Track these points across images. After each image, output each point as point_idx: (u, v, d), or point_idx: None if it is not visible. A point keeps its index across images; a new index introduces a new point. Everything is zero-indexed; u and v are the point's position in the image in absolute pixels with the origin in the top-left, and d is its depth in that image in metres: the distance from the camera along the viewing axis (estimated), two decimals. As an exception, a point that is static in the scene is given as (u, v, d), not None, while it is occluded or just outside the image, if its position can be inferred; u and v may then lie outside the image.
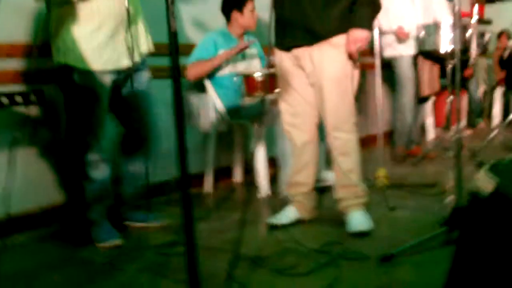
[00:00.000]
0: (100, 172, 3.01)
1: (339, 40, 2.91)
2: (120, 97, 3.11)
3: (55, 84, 3.32)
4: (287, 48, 3.04)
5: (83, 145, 2.95)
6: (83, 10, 2.84)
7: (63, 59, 2.88)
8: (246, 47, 4.04)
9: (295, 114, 3.13)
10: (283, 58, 3.09)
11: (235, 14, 4.14)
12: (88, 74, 2.88)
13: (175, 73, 1.59)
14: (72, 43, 2.85)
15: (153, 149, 3.25)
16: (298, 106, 3.11)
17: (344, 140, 2.99)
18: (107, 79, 2.95)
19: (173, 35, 1.63)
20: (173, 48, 1.60)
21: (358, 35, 2.86)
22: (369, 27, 2.91)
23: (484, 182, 1.29)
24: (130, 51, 2.99)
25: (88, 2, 2.84)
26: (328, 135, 3.04)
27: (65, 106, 3.04)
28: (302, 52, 2.98)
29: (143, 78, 3.17)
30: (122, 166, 3.30)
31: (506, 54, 7.96)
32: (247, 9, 4.13)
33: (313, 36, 2.92)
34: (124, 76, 3.07)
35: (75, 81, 2.88)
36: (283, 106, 3.17)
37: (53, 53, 2.94)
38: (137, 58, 3.05)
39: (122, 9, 2.93)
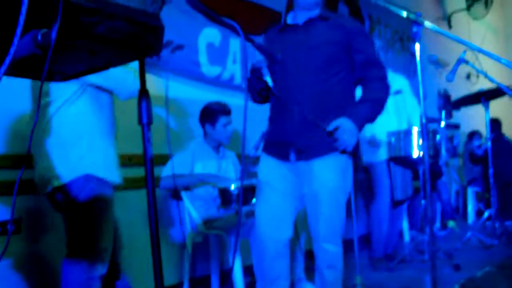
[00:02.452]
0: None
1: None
2: None
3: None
4: (283, 158, 3.01)
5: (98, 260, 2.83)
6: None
7: (74, 171, 2.78)
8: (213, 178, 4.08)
9: (271, 216, 3.05)
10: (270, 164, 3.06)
11: (208, 128, 4.22)
12: (107, 184, 2.85)
13: (151, 202, 1.61)
14: (90, 150, 2.80)
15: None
16: (276, 208, 3.04)
17: (333, 252, 2.95)
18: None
19: (149, 160, 1.66)
20: (148, 176, 1.63)
21: (347, 127, 2.81)
22: (360, 127, 2.86)
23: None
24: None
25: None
26: (316, 245, 2.99)
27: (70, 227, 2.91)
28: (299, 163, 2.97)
29: None
30: None
31: (479, 150, 8.12)
32: (219, 123, 4.18)
33: (312, 153, 2.92)
34: None
35: (90, 193, 2.79)
36: (259, 212, 3.10)
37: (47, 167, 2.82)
38: None
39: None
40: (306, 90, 2.90)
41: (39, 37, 1.27)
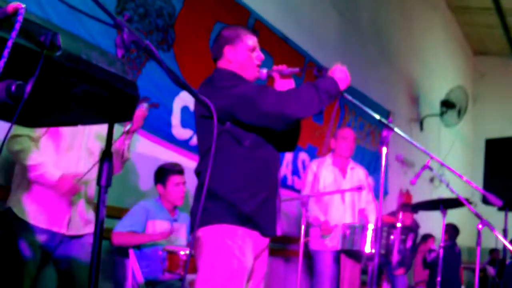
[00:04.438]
0: None
1: None
2: None
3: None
4: (271, 235, 2.83)
5: None
6: None
7: None
8: (172, 233, 4.04)
9: None
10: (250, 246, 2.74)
11: (160, 188, 4.18)
12: None
13: (94, 266, 1.59)
14: None
15: None
16: None
17: None
18: None
19: (100, 223, 1.65)
20: (97, 238, 1.62)
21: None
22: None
23: None
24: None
25: None
26: None
27: None
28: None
29: None
30: None
31: (431, 256, 8.18)
32: (170, 183, 4.11)
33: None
34: None
35: None
36: None
37: None
38: None
39: None
40: None
41: (13, 88, 1.27)
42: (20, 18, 1.20)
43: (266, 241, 2.85)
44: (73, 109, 1.56)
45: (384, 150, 2.97)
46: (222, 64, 2.92)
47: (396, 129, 2.94)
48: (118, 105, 1.54)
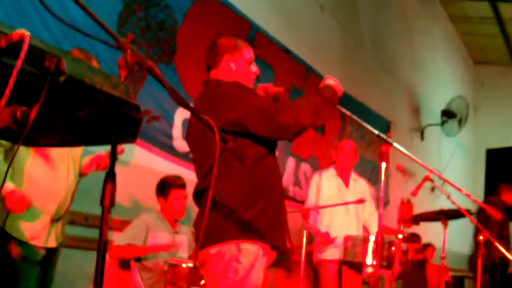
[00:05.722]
0: None
1: None
2: None
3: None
4: (283, 249, 2.83)
5: None
6: None
7: None
8: (173, 247, 4.04)
9: None
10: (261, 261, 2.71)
11: (161, 201, 4.20)
12: None
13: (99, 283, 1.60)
14: None
15: None
16: None
17: None
18: None
19: (102, 243, 1.66)
20: (100, 256, 1.63)
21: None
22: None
23: None
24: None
25: None
26: None
27: None
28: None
29: None
30: None
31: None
32: (172, 197, 4.14)
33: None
34: None
35: None
36: None
37: None
38: None
39: None
40: None
41: (18, 115, 1.29)
42: (25, 46, 1.21)
43: (274, 254, 2.84)
44: (77, 131, 1.57)
45: (384, 165, 2.98)
46: (218, 73, 2.87)
47: (395, 144, 2.96)
48: (122, 127, 1.56)
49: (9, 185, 2.90)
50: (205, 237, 2.52)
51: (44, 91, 1.31)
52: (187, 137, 3.01)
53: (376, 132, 2.95)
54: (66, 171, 3.24)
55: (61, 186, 3.17)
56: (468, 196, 3.79)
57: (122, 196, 4.45)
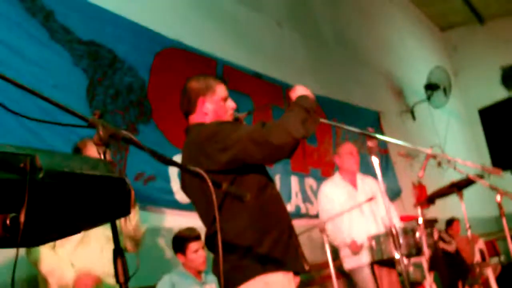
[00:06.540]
0: None
1: None
2: None
3: None
4: (302, 271, 2.82)
5: None
6: None
7: None
8: None
9: None
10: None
11: (180, 256, 4.16)
12: None
13: None
14: None
15: None
16: None
17: None
18: None
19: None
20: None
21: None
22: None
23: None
24: None
25: None
26: None
27: None
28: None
29: None
30: None
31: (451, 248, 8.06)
32: (190, 250, 4.09)
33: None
34: None
35: None
36: None
37: None
38: None
39: None
40: None
41: (8, 223, 1.28)
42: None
43: (298, 278, 2.83)
44: (72, 219, 1.56)
45: (375, 160, 2.99)
46: (197, 117, 2.87)
47: (379, 136, 2.96)
48: (113, 203, 1.55)
49: (69, 273, 3.05)
50: (229, 280, 2.52)
51: (26, 192, 1.30)
52: (183, 188, 3.00)
53: (357, 130, 2.96)
54: (99, 251, 3.27)
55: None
56: (466, 164, 3.78)
57: (145, 262, 4.41)
